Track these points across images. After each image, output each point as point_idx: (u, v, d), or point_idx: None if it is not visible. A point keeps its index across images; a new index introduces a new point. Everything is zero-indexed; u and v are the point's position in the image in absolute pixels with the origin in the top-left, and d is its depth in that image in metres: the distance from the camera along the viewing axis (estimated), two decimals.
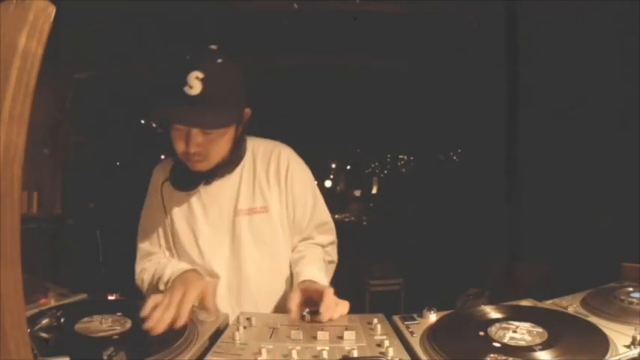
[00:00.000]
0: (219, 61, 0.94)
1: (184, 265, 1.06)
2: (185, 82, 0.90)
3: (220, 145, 1.01)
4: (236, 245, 1.09)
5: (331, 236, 1.20)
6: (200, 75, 0.90)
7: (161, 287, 1.01)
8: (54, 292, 0.95)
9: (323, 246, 1.18)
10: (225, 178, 1.10)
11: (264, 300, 1.10)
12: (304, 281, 0.99)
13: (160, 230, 1.14)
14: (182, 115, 0.92)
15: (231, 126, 1.01)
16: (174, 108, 0.92)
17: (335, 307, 0.88)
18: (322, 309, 0.85)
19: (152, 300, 0.83)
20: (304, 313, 0.88)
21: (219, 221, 1.09)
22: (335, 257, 1.22)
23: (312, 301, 0.91)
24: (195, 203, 1.10)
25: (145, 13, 2.86)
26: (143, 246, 1.15)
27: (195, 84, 0.90)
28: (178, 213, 1.11)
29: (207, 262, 1.08)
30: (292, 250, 1.16)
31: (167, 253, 1.14)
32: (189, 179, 1.06)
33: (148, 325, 0.76)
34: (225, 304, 1.07)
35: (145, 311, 0.80)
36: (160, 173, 1.14)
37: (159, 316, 0.78)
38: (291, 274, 1.13)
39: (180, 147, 0.98)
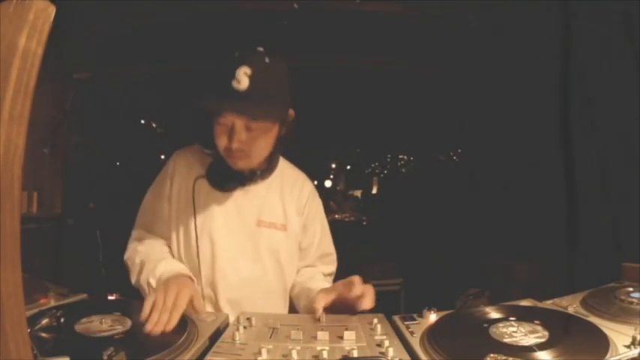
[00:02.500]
0: (267, 60, 0.97)
1: (178, 267, 1.05)
2: (233, 77, 0.92)
3: (263, 143, 1.02)
4: (251, 255, 1.10)
5: (332, 267, 1.24)
6: (248, 71, 0.93)
7: (151, 280, 1.00)
8: (54, 292, 0.95)
9: (324, 275, 1.22)
10: (255, 185, 1.11)
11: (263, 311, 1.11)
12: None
13: (165, 217, 1.13)
14: (227, 105, 0.94)
15: (275, 124, 1.02)
16: (221, 99, 0.95)
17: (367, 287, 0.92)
18: (357, 292, 0.89)
19: (149, 301, 0.83)
20: (320, 314, 0.88)
21: (238, 226, 1.10)
22: None
23: (342, 297, 0.93)
24: (219, 203, 1.10)
25: (145, 13, 2.86)
26: (141, 227, 1.15)
27: (243, 79, 0.92)
28: (200, 208, 1.10)
29: (216, 262, 1.08)
30: (296, 273, 1.20)
31: (161, 240, 1.13)
32: (229, 179, 1.06)
33: (147, 328, 0.77)
34: (227, 307, 1.08)
35: (145, 313, 0.81)
36: (184, 160, 1.13)
37: (156, 319, 0.79)
38: (290, 300, 1.16)
39: (222, 142, 0.99)
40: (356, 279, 0.92)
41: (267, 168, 1.11)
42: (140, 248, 1.11)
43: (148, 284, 1.01)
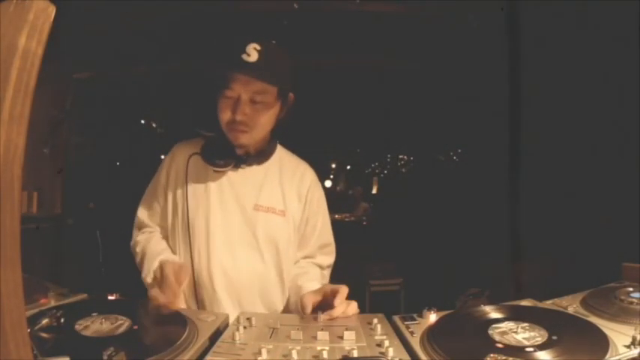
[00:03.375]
0: (273, 42, 1.04)
1: (171, 257, 1.09)
2: (243, 51, 0.98)
3: (265, 118, 1.06)
4: (248, 238, 1.10)
5: (331, 258, 1.24)
6: (257, 47, 0.99)
7: (149, 274, 1.05)
8: (54, 292, 0.95)
9: (322, 268, 1.22)
10: (251, 168, 1.12)
11: (260, 298, 1.11)
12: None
13: (162, 206, 1.16)
14: (237, 70, 1.00)
15: (277, 101, 1.07)
16: (232, 69, 1.01)
17: (347, 305, 0.91)
18: (337, 302, 0.89)
19: (154, 293, 0.95)
20: (318, 314, 0.88)
21: (234, 210, 1.10)
22: (327, 281, 1.24)
23: (325, 301, 0.93)
24: (214, 186, 1.11)
25: (145, 13, 2.86)
26: (141, 217, 1.19)
27: (252, 53, 0.99)
28: (196, 191, 1.11)
29: (211, 247, 1.08)
30: (294, 263, 1.19)
31: (159, 229, 1.17)
32: (223, 156, 1.08)
33: (163, 311, 0.88)
34: (223, 293, 1.08)
35: (153, 305, 0.91)
36: (184, 148, 1.15)
37: (163, 302, 0.90)
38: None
39: (226, 116, 1.04)
40: (342, 291, 0.92)
41: (262, 151, 1.13)
42: (140, 238, 1.16)
43: (150, 277, 1.05)
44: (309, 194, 1.18)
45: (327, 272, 1.23)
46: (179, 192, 1.12)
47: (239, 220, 1.10)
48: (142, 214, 1.19)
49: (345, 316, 0.89)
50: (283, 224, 1.13)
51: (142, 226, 1.19)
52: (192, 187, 1.11)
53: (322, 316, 0.88)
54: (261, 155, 1.13)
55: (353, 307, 0.92)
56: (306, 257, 1.20)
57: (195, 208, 1.10)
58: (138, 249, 1.14)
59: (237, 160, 1.09)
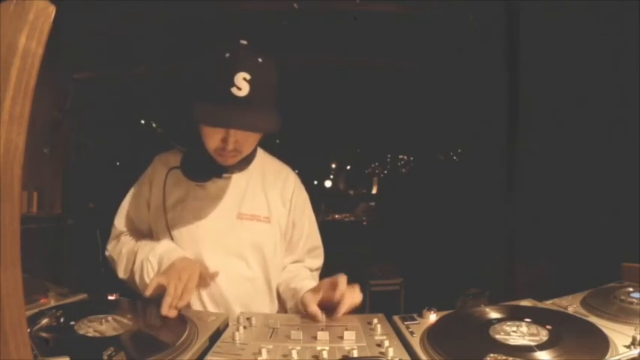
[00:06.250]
0: (260, 60, 0.93)
1: (177, 247, 1.04)
2: (232, 83, 0.89)
3: (254, 140, 1.02)
4: (233, 248, 1.08)
5: (320, 261, 1.23)
6: (247, 76, 0.89)
7: (151, 258, 1.01)
8: (54, 292, 0.95)
9: (311, 270, 1.20)
10: (233, 176, 1.10)
11: (249, 307, 1.09)
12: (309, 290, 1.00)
13: (145, 218, 1.13)
14: (231, 117, 0.90)
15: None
16: (221, 107, 0.90)
17: (352, 293, 0.91)
18: (338, 294, 0.88)
19: (155, 281, 0.90)
20: (320, 317, 0.89)
21: (218, 220, 1.09)
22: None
23: (327, 297, 0.92)
24: (197, 198, 1.09)
25: (145, 13, 2.86)
26: (122, 225, 1.14)
27: (243, 85, 0.89)
28: (178, 204, 1.09)
29: (197, 258, 1.06)
30: (283, 269, 1.18)
31: (143, 238, 1.13)
32: (204, 169, 1.04)
33: (162, 311, 0.84)
34: (211, 303, 1.06)
35: (149, 292, 0.89)
36: (164, 161, 1.12)
37: (169, 303, 0.86)
38: (278, 295, 1.15)
39: (214, 143, 0.98)
40: (341, 280, 0.90)
41: (244, 159, 1.09)
42: (125, 239, 1.11)
43: (148, 261, 1.00)
44: (293, 198, 1.16)
45: (316, 275, 1.22)
46: (160, 205, 1.09)
47: (224, 229, 1.08)
48: (123, 223, 1.14)
49: (354, 305, 0.89)
50: (269, 231, 1.11)
51: (124, 232, 1.14)
52: (173, 201, 1.08)
53: (340, 311, 0.88)
54: (242, 162, 1.08)
55: (357, 294, 0.91)
56: (295, 262, 1.19)
57: (179, 221, 1.07)
58: (124, 250, 1.08)
59: (218, 172, 1.06)
